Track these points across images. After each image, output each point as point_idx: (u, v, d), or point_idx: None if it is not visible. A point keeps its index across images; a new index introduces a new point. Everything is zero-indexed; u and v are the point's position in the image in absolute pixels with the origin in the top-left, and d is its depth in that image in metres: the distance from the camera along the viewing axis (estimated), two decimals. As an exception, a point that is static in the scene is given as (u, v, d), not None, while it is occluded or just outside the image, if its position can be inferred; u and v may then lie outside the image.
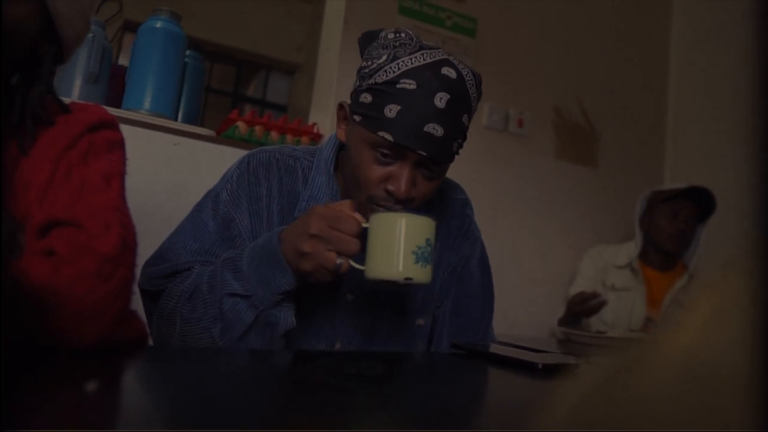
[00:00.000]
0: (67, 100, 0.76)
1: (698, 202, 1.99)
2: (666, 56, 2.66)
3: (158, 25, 1.62)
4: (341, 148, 0.96)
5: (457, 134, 0.83)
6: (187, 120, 1.69)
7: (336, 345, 0.90)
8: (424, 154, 0.80)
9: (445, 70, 0.81)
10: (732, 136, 2.24)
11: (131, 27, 3.03)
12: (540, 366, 0.76)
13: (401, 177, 0.82)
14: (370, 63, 0.83)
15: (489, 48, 2.18)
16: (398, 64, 0.81)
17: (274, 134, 1.68)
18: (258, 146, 1.64)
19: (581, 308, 1.77)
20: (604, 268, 2.07)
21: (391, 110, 0.79)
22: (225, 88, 3.87)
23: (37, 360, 0.53)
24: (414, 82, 0.79)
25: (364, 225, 0.74)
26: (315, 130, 1.75)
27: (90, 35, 1.57)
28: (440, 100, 0.80)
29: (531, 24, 2.30)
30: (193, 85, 1.74)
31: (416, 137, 0.79)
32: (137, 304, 0.74)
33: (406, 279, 0.73)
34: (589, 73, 2.42)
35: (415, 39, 0.84)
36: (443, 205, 1.00)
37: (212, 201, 0.89)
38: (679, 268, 2.06)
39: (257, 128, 1.65)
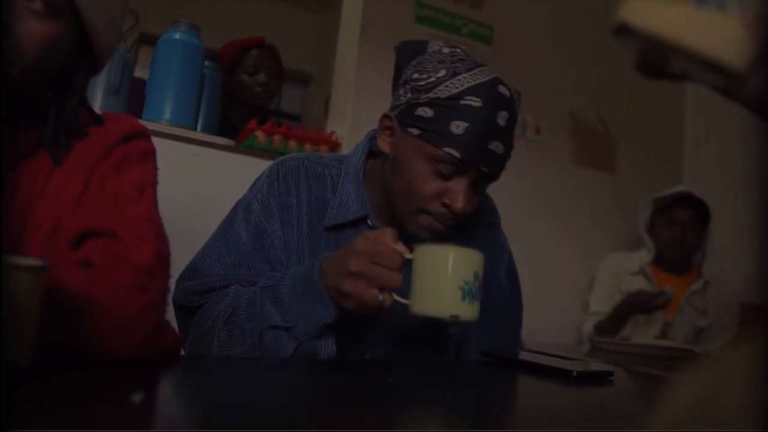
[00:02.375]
0: (98, 110, 0.77)
1: (696, 207, 1.97)
2: (682, 60, 2.64)
3: (177, 36, 1.63)
4: (369, 156, 0.95)
5: (510, 151, 0.86)
6: (206, 130, 1.70)
7: (367, 354, 0.89)
8: (486, 170, 0.82)
9: (501, 89, 0.83)
10: (752, 140, 2.21)
11: (147, 39, 3.06)
12: (575, 373, 0.75)
13: (460, 192, 0.82)
14: (426, 76, 0.83)
15: (505, 55, 2.17)
16: (460, 80, 0.81)
17: (292, 143, 1.68)
18: (278, 155, 1.65)
19: (647, 306, 1.78)
20: (618, 275, 2.06)
21: (458, 127, 0.80)
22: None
23: (72, 369, 0.53)
24: (479, 100, 0.80)
25: (408, 257, 0.71)
26: (333, 139, 1.76)
27: (111, 48, 1.59)
28: (502, 118, 0.82)
29: (547, 30, 2.29)
30: (212, 95, 1.76)
31: (481, 154, 0.81)
32: (170, 315, 0.73)
33: (452, 316, 0.69)
34: (605, 79, 2.41)
35: (470, 55, 0.85)
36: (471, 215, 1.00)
37: (243, 212, 0.89)
38: (694, 272, 2.04)
39: (276, 138, 1.66)
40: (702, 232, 2.00)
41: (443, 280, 0.70)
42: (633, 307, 1.83)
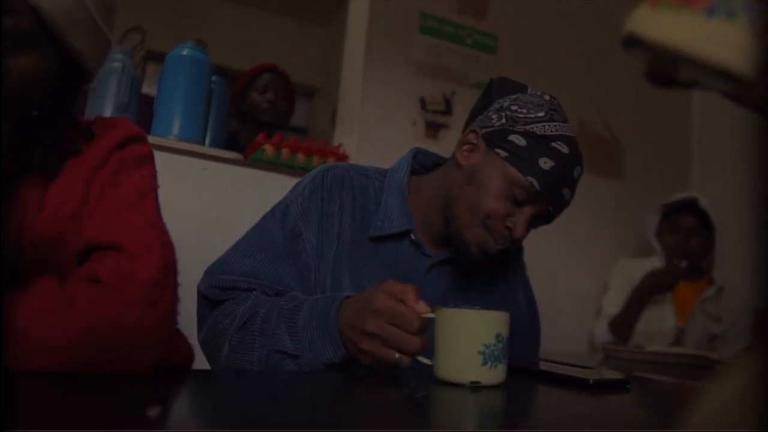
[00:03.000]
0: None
1: (700, 214, 1.97)
2: (688, 66, 2.64)
3: (185, 52, 1.65)
4: (413, 172, 0.99)
5: (570, 203, 0.93)
6: (215, 144, 1.71)
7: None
8: (551, 209, 0.90)
9: (578, 148, 0.91)
10: (754, 144, 2.20)
11: (154, 57, 3.08)
12: (591, 382, 0.74)
13: (524, 221, 0.89)
14: (526, 111, 0.89)
15: (510, 64, 2.18)
16: (555, 126, 0.89)
17: (300, 156, 1.69)
18: (286, 169, 1.66)
19: (663, 280, 1.83)
20: (631, 280, 2.05)
21: (546, 163, 0.86)
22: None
23: (83, 386, 0.53)
24: (567, 149, 0.88)
25: (430, 316, 0.70)
26: (341, 151, 1.76)
27: (120, 65, 1.60)
28: (576, 172, 0.90)
29: (551, 38, 2.30)
30: (219, 110, 1.77)
31: (555, 194, 0.88)
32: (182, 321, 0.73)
33: (472, 383, 0.67)
34: (611, 86, 2.41)
35: (562, 110, 0.94)
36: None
37: (281, 213, 0.90)
38: (706, 278, 2.02)
39: (284, 151, 1.66)
40: (708, 237, 1.99)
41: (461, 345, 0.68)
42: (650, 287, 1.87)
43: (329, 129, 2.35)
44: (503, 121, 0.90)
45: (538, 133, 0.87)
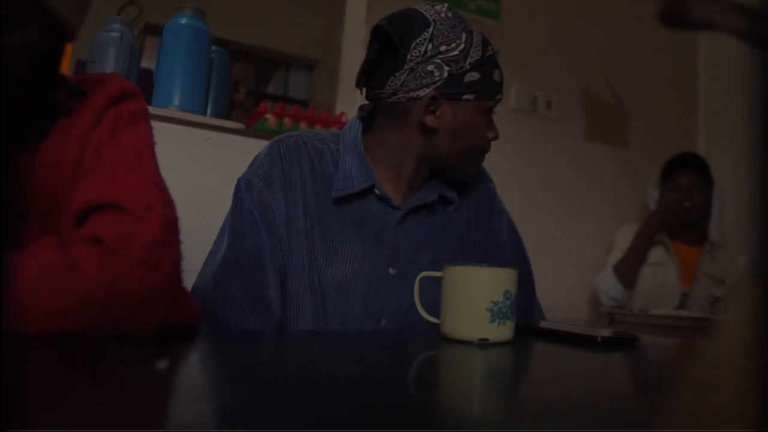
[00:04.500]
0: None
1: (697, 170, 1.94)
2: (695, 31, 2.59)
3: (183, 21, 1.62)
4: (366, 130, 0.98)
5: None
6: (216, 114, 1.69)
7: (381, 321, 0.90)
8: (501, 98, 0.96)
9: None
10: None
11: (152, 30, 3.04)
12: (599, 339, 0.74)
13: (494, 123, 0.96)
14: (455, 45, 0.89)
15: (514, 30, 2.14)
16: (475, 37, 0.91)
17: (303, 125, 1.67)
18: (287, 138, 1.64)
19: (670, 217, 1.86)
20: None
21: (497, 74, 0.93)
22: (246, 86, 3.88)
23: (88, 345, 0.52)
24: (491, 47, 0.93)
25: (436, 274, 0.70)
26: (343, 120, 1.74)
27: (117, 35, 1.58)
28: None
29: (555, 3, 2.26)
30: (220, 79, 1.75)
31: (502, 85, 0.95)
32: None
33: (481, 340, 0.67)
34: (617, 52, 2.38)
35: (456, 11, 0.95)
36: (468, 183, 1.03)
37: (246, 188, 0.90)
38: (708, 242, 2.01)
39: (286, 120, 1.65)
40: (708, 194, 1.97)
41: (469, 302, 0.68)
42: (655, 224, 1.89)
43: (331, 101, 2.32)
44: (446, 68, 0.89)
45: (478, 56, 0.90)
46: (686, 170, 1.96)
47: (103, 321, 0.55)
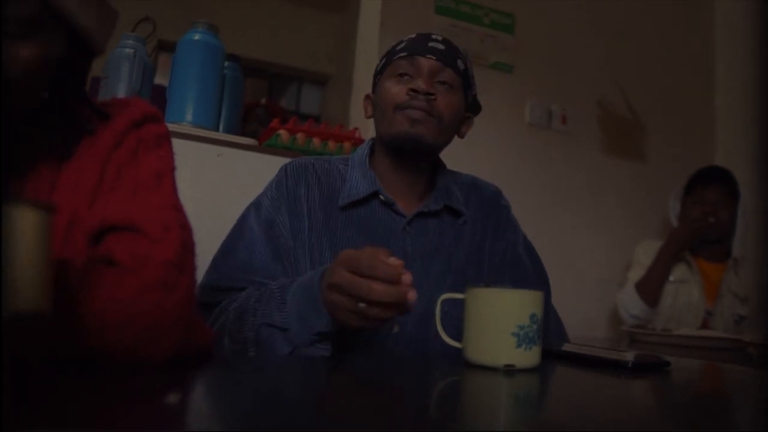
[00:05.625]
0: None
1: (724, 184, 1.89)
2: (711, 42, 2.56)
3: (197, 37, 1.62)
4: (373, 148, 1.03)
5: (457, 54, 0.97)
6: (228, 130, 1.68)
7: (394, 329, 0.89)
8: (434, 57, 0.94)
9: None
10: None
11: (165, 47, 3.06)
12: (630, 364, 0.71)
13: (419, 78, 0.93)
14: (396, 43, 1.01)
15: (528, 44, 2.12)
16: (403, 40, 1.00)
17: (316, 141, 1.65)
18: (301, 153, 1.63)
19: (693, 232, 1.82)
20: None
21: (401, 44, 0.98)
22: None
23: (104, 374, 0.50)
24: (413, 33, 0.99)
25: (458, 296, 0.68)
26: (356, 135, 1.72)
27: (131, 51, 1.58)
28: (435, 37, 0.98)
29: (569, 17, 2.23)
30: (233, 95, 1.74)
31: (424, 48, 0.95)
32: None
33: (507, 366, 0.64)
34: (632, 65, 2.35)
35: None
36: (481, 201, 1.05)
37: (255, 209, 0.96)
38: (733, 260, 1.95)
39: (299, 136, 1.63)
40: (734, 209, 1.91)
41: (494, 326, 0.65)
42: (678, 239, 1.84)
43: (344, 116, 2.31)
44: (377, 69, 1.03)
45: (389, 49, 1.01)
46: (713, 183, 1.91)
47: (116, 344, 0.53)
